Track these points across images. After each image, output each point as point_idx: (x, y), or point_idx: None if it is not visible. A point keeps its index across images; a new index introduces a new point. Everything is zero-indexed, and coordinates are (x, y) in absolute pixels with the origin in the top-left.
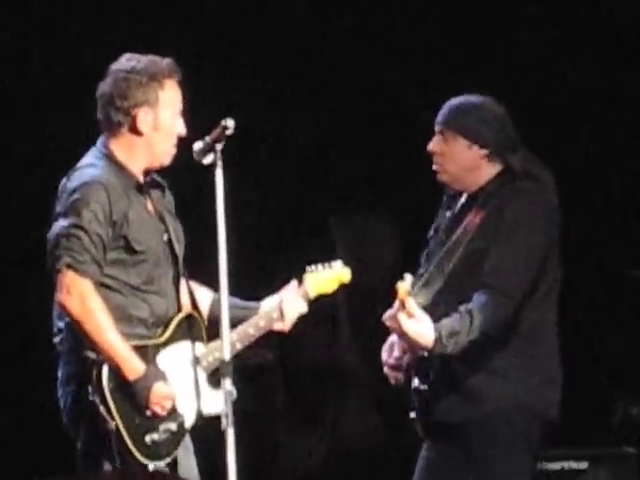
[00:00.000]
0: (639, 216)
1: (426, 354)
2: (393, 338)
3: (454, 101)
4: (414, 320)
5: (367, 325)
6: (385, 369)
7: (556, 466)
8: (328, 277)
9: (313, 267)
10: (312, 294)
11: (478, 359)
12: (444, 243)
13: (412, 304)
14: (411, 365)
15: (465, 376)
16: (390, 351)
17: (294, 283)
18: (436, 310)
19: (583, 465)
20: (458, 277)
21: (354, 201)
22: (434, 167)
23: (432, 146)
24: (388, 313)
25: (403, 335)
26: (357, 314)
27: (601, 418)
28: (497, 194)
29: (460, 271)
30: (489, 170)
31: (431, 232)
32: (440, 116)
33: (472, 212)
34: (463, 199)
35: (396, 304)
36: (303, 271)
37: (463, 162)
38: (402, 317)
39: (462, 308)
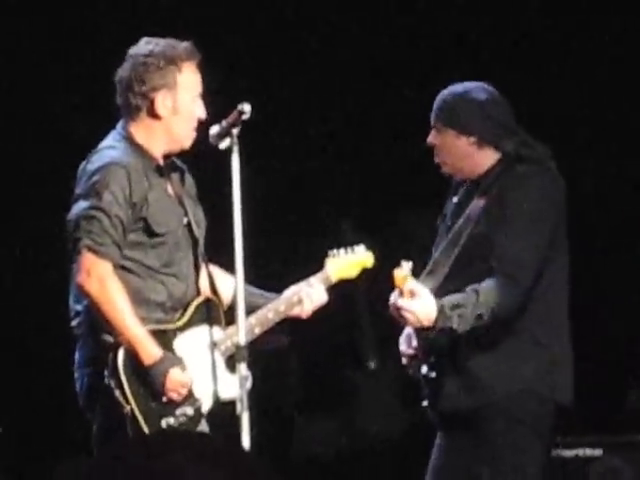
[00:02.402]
0: None
1: (433, 335)
2: (409, 329)
3: (443, 93)
4: (415, 298)
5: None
6: (404, 360)
7: (571, 453)
8: (350, 261)
9: (335, 251)
10: (334, 278)
11: (486, 345)
12: (450, 229)
13: (411, 284)
14: (420, 352)
15: (474, 363)
16: (408, 342)
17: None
18: (443, 296)
19: (598, 452)
20: (463, 263)
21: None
22: (435, 160)
23: (429, 140)
24: (390, 303)
25: (407, 318)
26: (375, 302)
27: (616, 405)
28: (498, 180)
29: (465, 257)
30: (485, 157)
31: (439, 220)
32: (433, 110)
33: (475, 199)
34: (466, 186)
35: (395, 292)
36: (325, 255)
37: (455, 152)
38: (401, 301)
39: (468, 288)
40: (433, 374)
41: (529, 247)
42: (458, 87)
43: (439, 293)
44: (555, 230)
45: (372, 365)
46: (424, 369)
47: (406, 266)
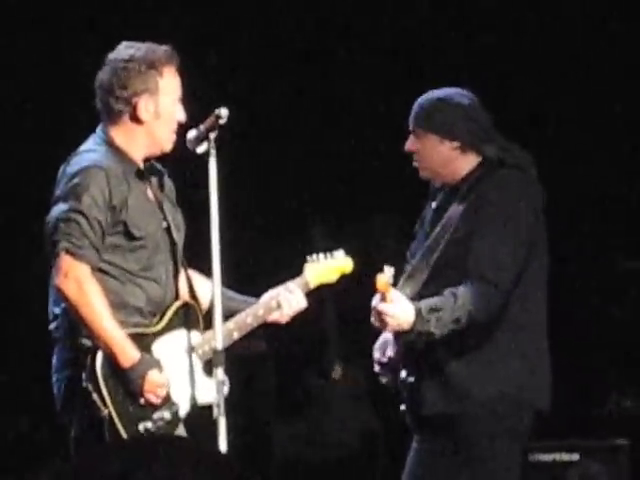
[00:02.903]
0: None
1: (411, 338)
2: (386, 335)
3: (422, 98)
4: (392, 303)
5: (355, 316)
6: (376, 368)
7: (547, 458)
8: (329, 267)
9: (314, 256)
10: (312, 284)
11: (464, 349)
12: (428, 235)
13: (391, 292)
14: (398, 358)
15: (451, 367)
16: (383, 349)
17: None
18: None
19: (575, 457)
20: (443, 268)
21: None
22: (414, 165)
23: (408, 146)
24: (372, 307)
25: (387, 322)
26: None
27: (593, 409)
28: (477, 185)
29: (444, 262)
30: (466, 162)
31: (417, 225)
32: (411, 115)
33: (454, 204)
34: (445, 191)
35: (376, 297)
36: (304, 261)
37: (437, 157)
38: (382, 305)
39: (446, 291)
40: (411, 379)
41: (507, 250)
42: (437, 92)
43: (418, 298)
44: (533, 233)
45: (337, 374)
46: (403, 374)
47: (388, 271)
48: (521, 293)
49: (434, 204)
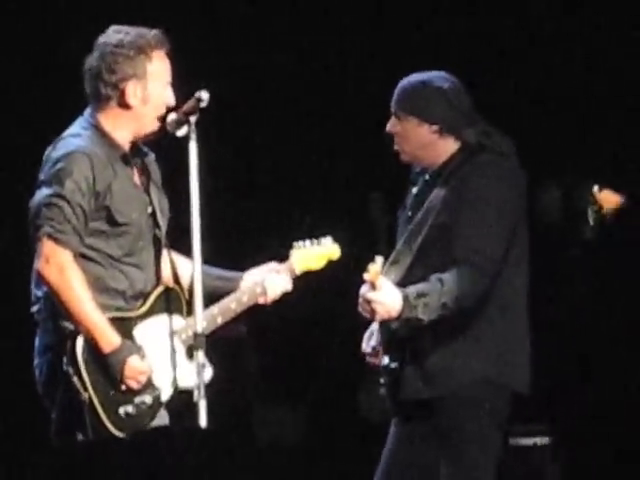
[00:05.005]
0: None
1: (398, 325)
2: (374, 326)
3: (404, 81)
4: (379, 290)
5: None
6: (367, 358)
7: (528, 442)
8: (316, 253)
9: (301, 243)
10: (298, 270)
11: (445, 334)
12: (411, 220)
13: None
14: (381, 343)
15: (433, 352)
16: (368, 340)
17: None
18: (407, 286)
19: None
20: (426, 253)
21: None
22: (394, 148)
23: (388, 128)
24: (360, 295)
25: (376, 310)
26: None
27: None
28: (459, 169)
29: (428, 247)
30: (446, 146)
31: (399, 211)
32: (393, 98)
33: (436, 189)
34: (427, 176)
35: (365, 286)
36: (291, 247)
37: (416, 140)
38: (371, 294)
39: (432, 277)
40: (394, 365)
41: (491, 235)
42: (420, 75)
43: (403, 283)
44: (516, 218)
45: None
46: (385, 360)
47: (379, 261)
48: (504, 277)
49: (415, 189)
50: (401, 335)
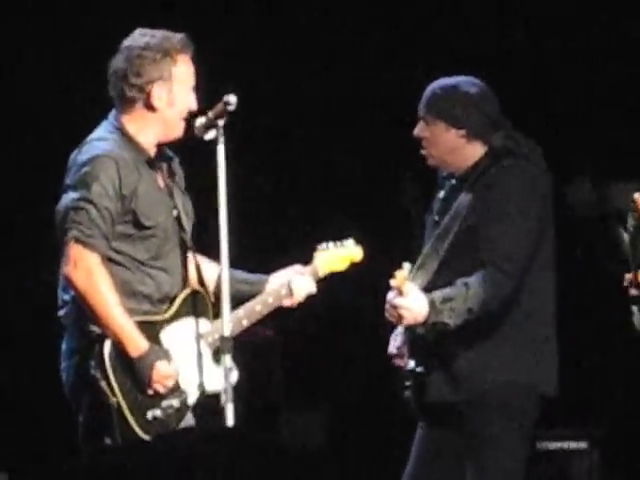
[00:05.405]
0: None
1: (425, 330)
2: (400, 328)
3: (432, 85)
4: (406, 296)
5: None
6: (392, 360)
7: (555, 446)
8: (339, 255)
9: (324, 245)
10: (322, 272)
11: (472, 338)
12: (438, 224)
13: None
14: (404, 347)
15: (459, 356)
16: (394, 342)
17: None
18: (433, 291)
19: (583, 445)
20: (453, 257)
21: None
22: (422, 152)
23: (416, 132)
24: (387, 301)
25: (404, 316)
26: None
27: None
28: (485, 174)
29: (454, 251)
30: (473, 150)
31: (426, 215)
32: (421, 102)
33: (463, 193)
34: (453, 180)
35: (392, 292)
36: (314, 249)
37: (444, 145)
38: (398, 299)
39: (458, 281)
40: (420, 368)
41: (518, 239)
42: (448, 80)
43: (429, 287)
44: (542, 222)
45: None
46: (411, 364)
47: (406, 267)
48: (529, 281)
49: (442, 194)
50: (427, 339)
